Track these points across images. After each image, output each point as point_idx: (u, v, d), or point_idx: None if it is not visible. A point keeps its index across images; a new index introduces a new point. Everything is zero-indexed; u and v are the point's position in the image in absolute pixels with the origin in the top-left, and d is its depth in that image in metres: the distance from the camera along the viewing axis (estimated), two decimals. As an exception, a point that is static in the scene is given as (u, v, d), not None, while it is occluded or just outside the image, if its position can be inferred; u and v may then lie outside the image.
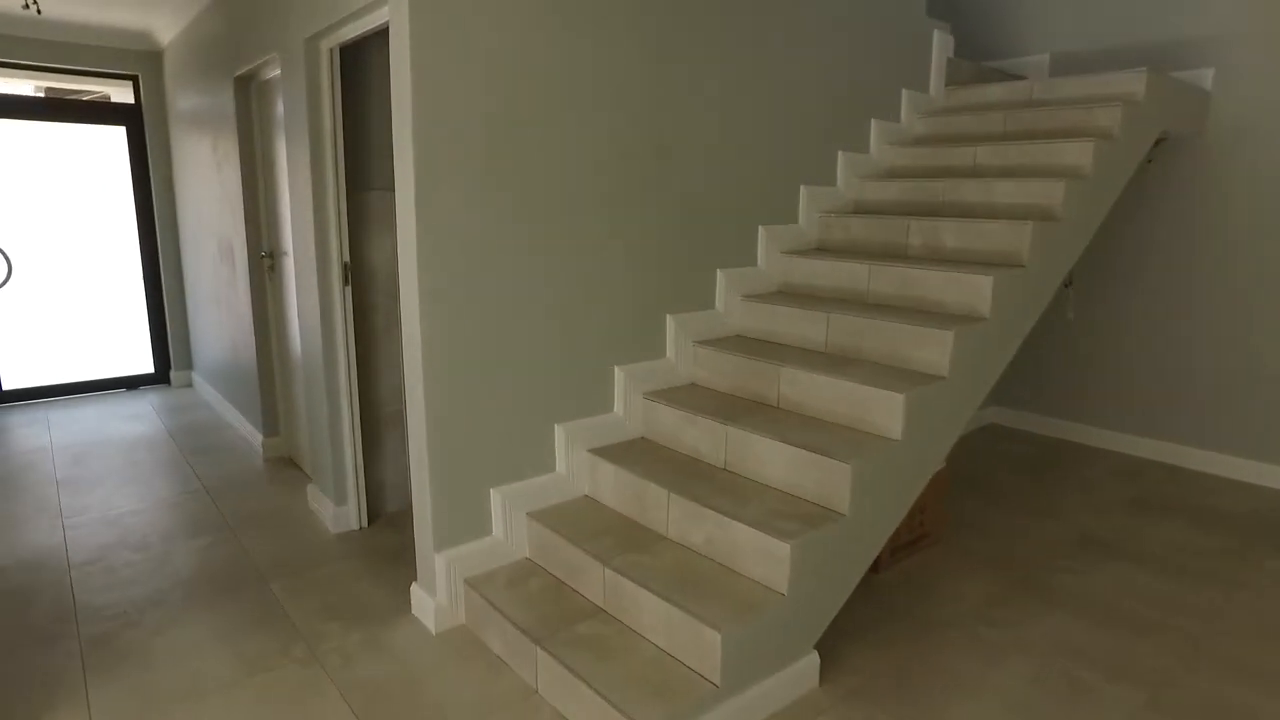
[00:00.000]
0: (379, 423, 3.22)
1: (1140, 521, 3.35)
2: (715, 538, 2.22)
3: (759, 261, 3.11)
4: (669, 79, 2.65)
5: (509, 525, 2.50)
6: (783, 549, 2.02)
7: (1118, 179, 3.04)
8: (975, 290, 2.55)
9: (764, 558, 2.08)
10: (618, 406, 2.74)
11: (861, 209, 3.38)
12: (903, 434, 2.28)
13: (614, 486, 2.54)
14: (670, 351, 2.85)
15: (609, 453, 2.62)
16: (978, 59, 4.41)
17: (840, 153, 3.34)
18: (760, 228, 3.08)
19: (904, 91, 3.58)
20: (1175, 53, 3.77)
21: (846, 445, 2.26)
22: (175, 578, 2.74)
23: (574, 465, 2.63)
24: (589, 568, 2.28)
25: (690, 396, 2.75)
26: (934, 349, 2.43)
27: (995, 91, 3.59)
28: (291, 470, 3.81)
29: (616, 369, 2.71)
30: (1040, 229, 2.65)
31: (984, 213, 2.96)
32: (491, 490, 2.47)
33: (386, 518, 3.25)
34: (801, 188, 3.21)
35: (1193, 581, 2.82)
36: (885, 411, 2.31)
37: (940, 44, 3.68)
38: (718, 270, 2.97)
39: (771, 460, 2.35)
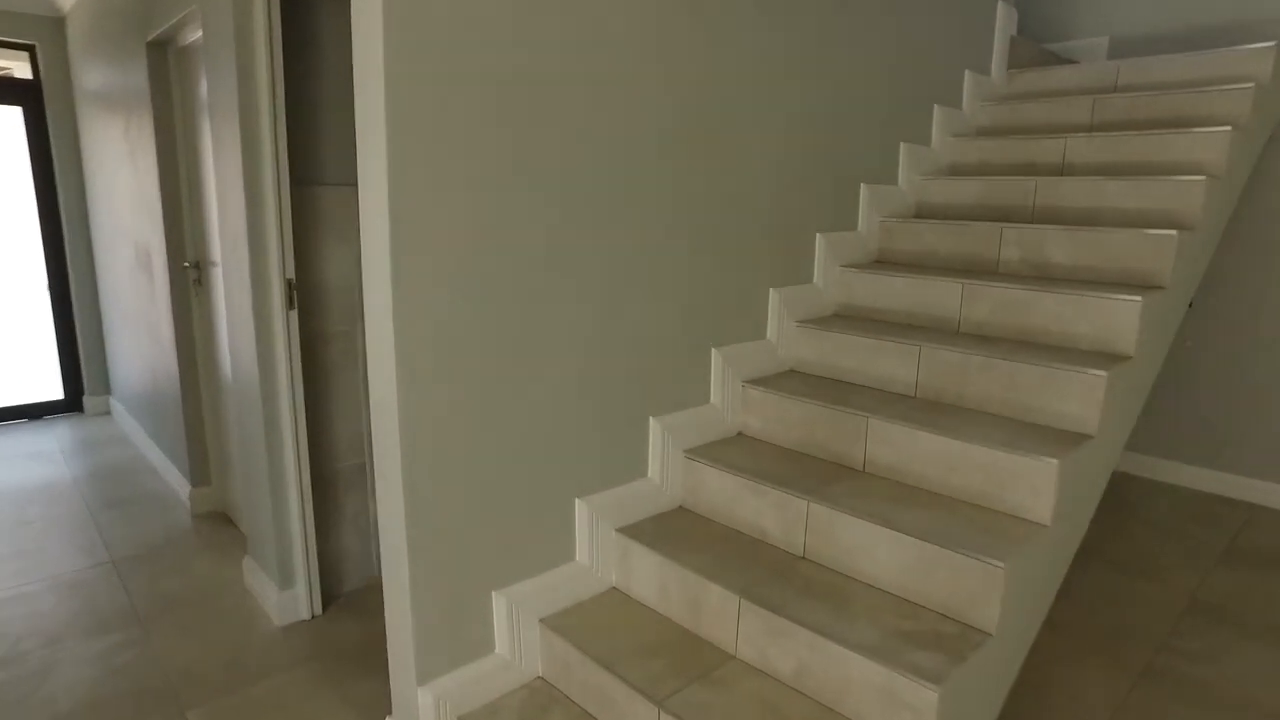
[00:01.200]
0: (336, 480, 2.53)
1: (1247, 578, 2.85)
2: (811, 666, 1.60)
3: (815, 277, 2.50)
4: (720, 54, 2.02)
5: (517, 638, 1.85)
6: (926, 696, 1.42)
7: (1243, 177, 2.52)
8: (1115, 319, 1.98)
9: (889, 702, 1.47)
10: (653, 469, 2.10)
11: (929, 212, 2.80)
12: (1053, 516, 1.70)
13: (656, 581, 1.91)
14: (715, 395, 2.23)
15: (643, 532, 1.99)
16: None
17: (903, 145, 2.75)
18: (818, 236, 2.47)
19: (967, 74, 3.01)
20: (1245, 36, 3.28)
21: (978, 533, 1.66)
22: (51, 710, 2.01)
23: (600, 550, 1.99)
24: (633, 706, 1.64)
25: (743, 454, 2.13)
26: (1076, 397, 1.85)
27: (1069, 75, 3.04)
28: (226, 530, 3.08)
29: (652, 421, 2.08)
30: (1183, 241, 2.10)
31: (1095, 219, 2.40)
32: (494, 593, 1.82)
33: (346, 599, 2.56)
34: (862, 187, 2.62)
35: (1347, 669, 2.31)
36: (1027, 485, 1.72)
37: (1004, 19, 3.12)
38: (771, 290, 2.35)
39: (875, 551, 1.74)
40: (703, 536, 1.98)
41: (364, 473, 2.59)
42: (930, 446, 1.87)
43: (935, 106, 2.87)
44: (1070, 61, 3.60)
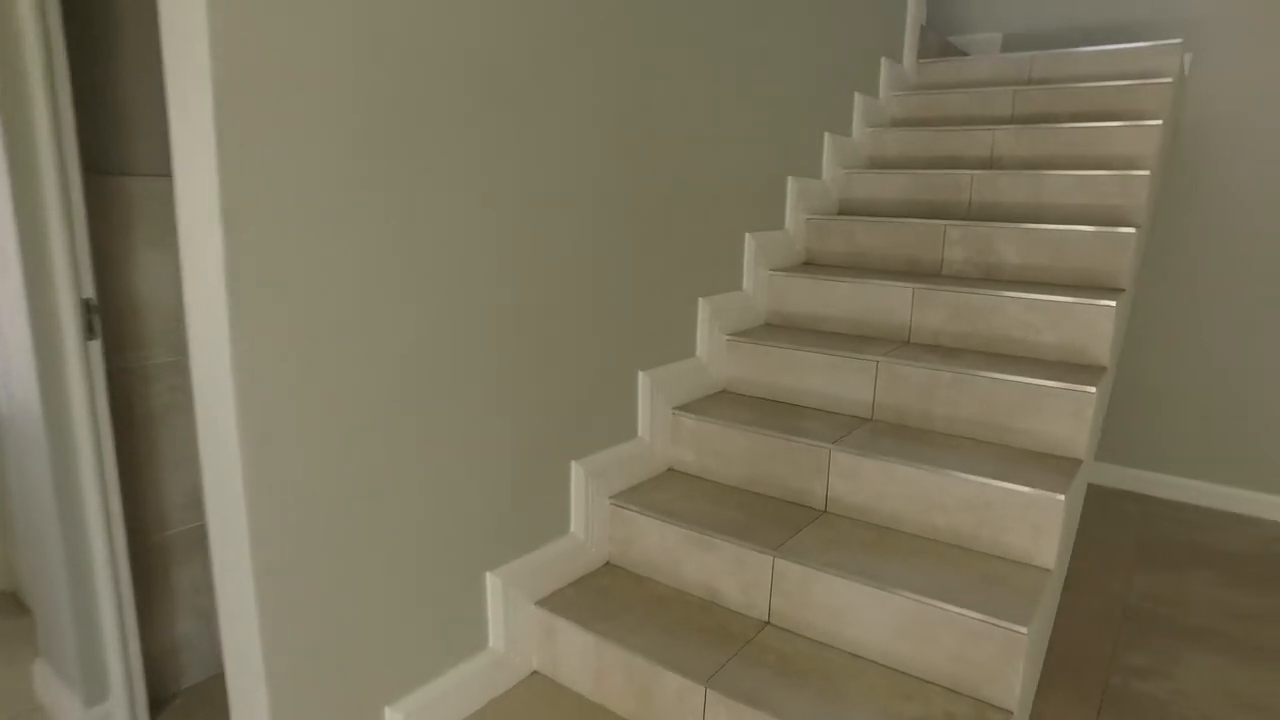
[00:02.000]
0: (166, 550, 1.98)
1: (1166, 579, 2.80)
2: (803, 774, 1.28)
3: (744, 283, 2.19)
4: (638, 40, 1.66)
5: (418, 762, 1.41)
6: (959, 815, 1.12)
7: (1164, 173, 2.43)
8: (1086, 326, 1.78)
9: (911, 820, 1.17)
10: (575, 523, 1.72)
11: (854, 208, 2.56)
12: (1058, 559, 1.46)
13: (590, 665, 1.53)
14: (643, 426, 1.87)
15: (569, 603, 1.61)
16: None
17: (827, 135, 2.50)
18: (748, 236, 2.17)
19: (883, 61, 2.81)
20: (1125, 36, 3.30)
21: (982, 586, 1.40)
22: None
23: (517, 630, 1.58)
24: None
25: (680, 497, 1.78)
26: (1062, 416, 1.63)
27: (982, 66, 2.91)
28: (15, 618, 2.42)
29: (573, 466, 1.69)
30: (1138, 239, 1.94)
31: (1037, 215, 2.23)
32: (387, 710, 1.38)
33: (185, 701, 2.01)
34: (789, 181, 2.34)
35: (1289, 673, 2.25)
36: (1028, 525, 1.47)
37: (915, 7, 2.95)
38: (700, 300, 2.02)
39: (859, 615, 1.44)
40: (641, 603, 1.62)
41: (205, 536, 2.05)
42: (907, 480, 1.60)
43: (856, 95, 2.64)
44: (964, 54, 3.51)
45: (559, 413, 1.63)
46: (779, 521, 1.67)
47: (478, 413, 1.44)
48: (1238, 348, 3.25)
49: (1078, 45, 3.39)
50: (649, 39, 1.69)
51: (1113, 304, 1.74)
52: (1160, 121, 2.21)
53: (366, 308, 1.22)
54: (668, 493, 1.80)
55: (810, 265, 2.39)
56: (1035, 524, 1.47)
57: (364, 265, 1.21)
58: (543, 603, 1.61)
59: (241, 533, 1.13)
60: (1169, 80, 2.38)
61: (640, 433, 1.87)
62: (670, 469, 1.95)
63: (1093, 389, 1.58)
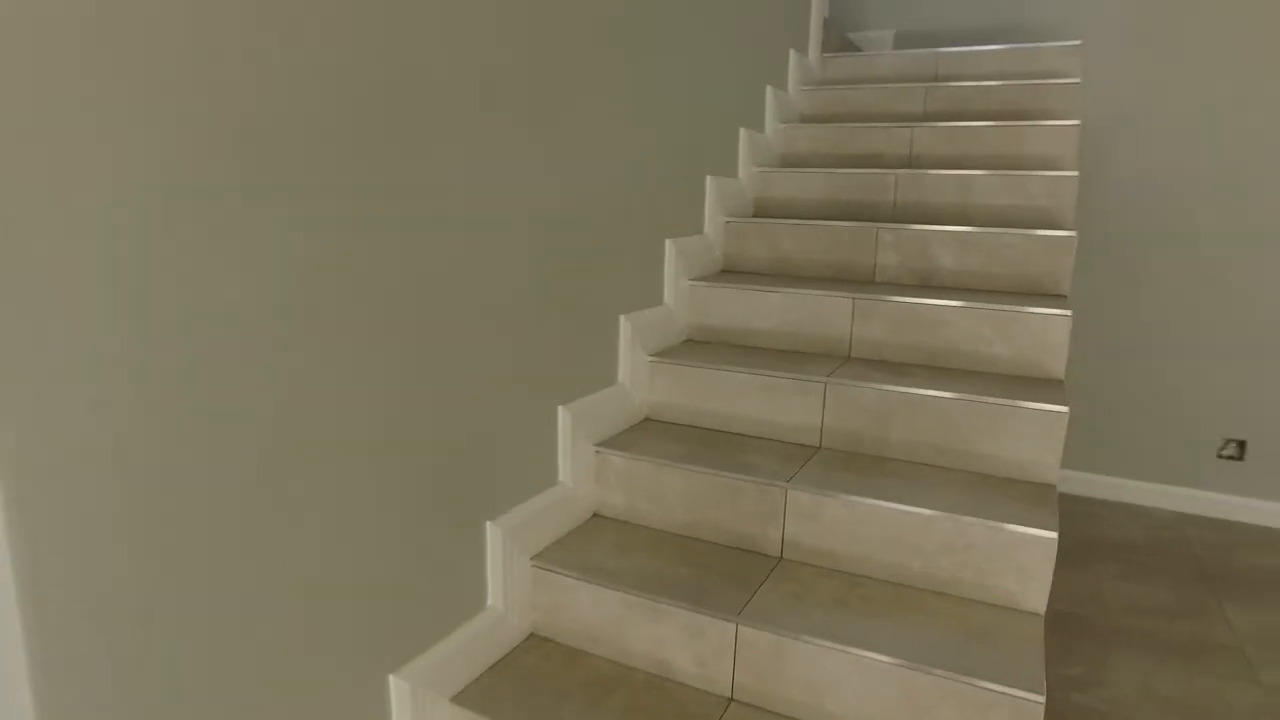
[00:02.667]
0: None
1: (1083, 578, 2.82)
2: None
3: (665, 296, 1.96)
4: (540, 31, 1.39)
5: None
6: None
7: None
8: (1041, 337, 1.67)
9: None
10: (493, 595, 1.42)
11: (771, 210, 2.38)
12: (1047, 601, 1.32)
13: (526, 778, 1.24)
14: (564, 469, 1.59)
15: (489, 697, 1.31)
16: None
17: (742, 131, 2.30)
18: (668, 243, 1.93)
19: (792, 54, 2.65)
20: (1014, 37, 3.34)
21: (978, 646, 1.23)
22: None
23: (428, 740, 1.27)
24: None
25: (612, 550, 1.52)
26: (1032, 438, 1.50)
27: (889, 62, 2.82)
28: None
29: (488, 528, 1.40)
30: (1074, 244, 1.87)
31: (965, 217, 2.12)
32: None
33: None
34: (708, 180, 2.12)
35: (1203, 667, 2.27)
36: (1015, 566, 1.32)
37: (820, 0, 2.82)
38: (621, 318, 1.76)
39: (842, 687, 1.24)
40: (579, 686, 1.35)
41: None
42: (877, 521, 1.42)
43: (769, 88, 2.47)
44: (859, 50, 3.44)
45: (467, 467, 1.33)
46: (731, 575, 1.44)
47: (360, 481, 1.12)
48: (1115, 339, 3.36)
49: (965, 44, 3.39)
50: (549, 32, 1.41)
51: (1067, 314, 1.63)
52: (1079, 122, 2.16)
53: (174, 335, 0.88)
54: (598, 547, 1.54)
55: (729, 273, 2.19)
56: (1023, 565, 1.31)
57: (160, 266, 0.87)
58: (460, 698, 1.30)
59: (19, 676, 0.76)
60: (1078, 80, 2.35)
61: (561, 477, 1.60)
62: (596, 514, 1.68)
63: (1064, 408, 1.46)
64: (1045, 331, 1.66)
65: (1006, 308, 1.69)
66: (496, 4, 1.26)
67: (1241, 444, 3.37)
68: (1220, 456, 3.41)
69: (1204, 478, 3.42)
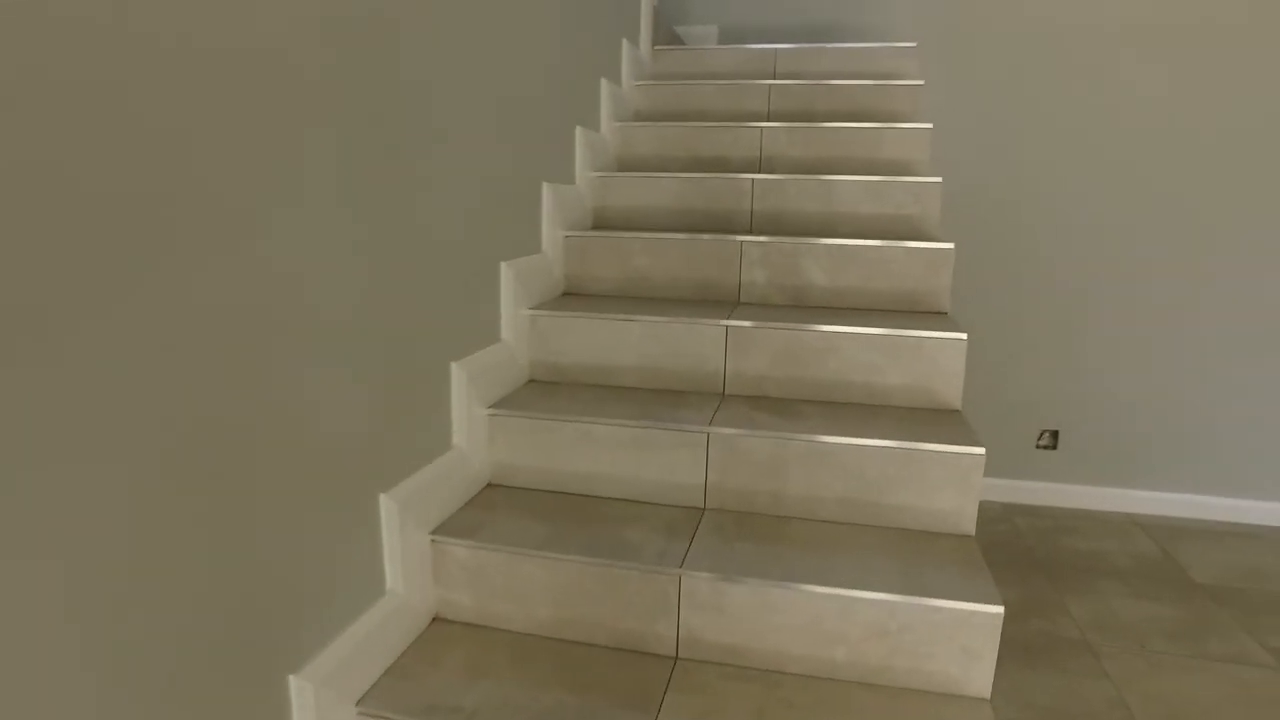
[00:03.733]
0: None
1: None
2: None
3: (503, 331, 1.61)
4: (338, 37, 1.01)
5: None
6: None
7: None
8: (935, 364, 1.51)
9: None
10: (297, 773, 1.02)
11: (614, 221, 2.10)
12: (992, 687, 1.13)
13: None
14: (391, 573, 1.21)
15: None
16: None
17: (579, 130, 1.99)
18: (503, 266, 1.59)
19: (624, 45, 2.38)
20: (843, 35, 3.31)
21: (936, 760, 1.01)
22: None
23: None
24: None
25: (463, 671, 1.17)
26: (949, 486, 1.32)
27: (725, 58, 2.63)
28: None
29: (292, 682, 0.99)
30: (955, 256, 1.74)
31: (830, 228, 1.95)
32: None
33: None
34: (544, 189, 1.79)
35: (1055, 665, 2.26)
36: (957, 648, 1.12)
37: (649, -20, 2.58)
38: (452, 365, 1.40)
39: (785, 845, 0.97)
40: None
41: None
42: (788, 606, 1.17)
43: (603, 82, 2.18)
44: (684, 43, 3.26)
45: (269, 606, 0.92)
46: (622, 693, 1.13)
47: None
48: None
49: (786, 42, 3.31)
50: (347, 34, 1.04)
51: (962, 337, 1.48)
52: (930, 125, 2.07)
53: None
54: (442, 672, 1.17)
55: (573, 296, 1.88)
56: (965, 646, 1.12)
57: None
58: None
59: None
60: (921, 83, 2.28)
61: (390, 584, 1.21)
62: (438, 618, 1.31)
63: (981, 450, 1.29)
64: (940, 357, 1.50)
65: (897, 332, 1.51)
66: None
67: (1055, 434, 3.56)
68: (1038, 447, 3.59)
69: (1025, 468, 3.58)
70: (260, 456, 0.92)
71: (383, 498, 1.18)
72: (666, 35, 2.86)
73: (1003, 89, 3.15)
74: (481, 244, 1.50)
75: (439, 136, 1.30)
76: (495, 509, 1.40)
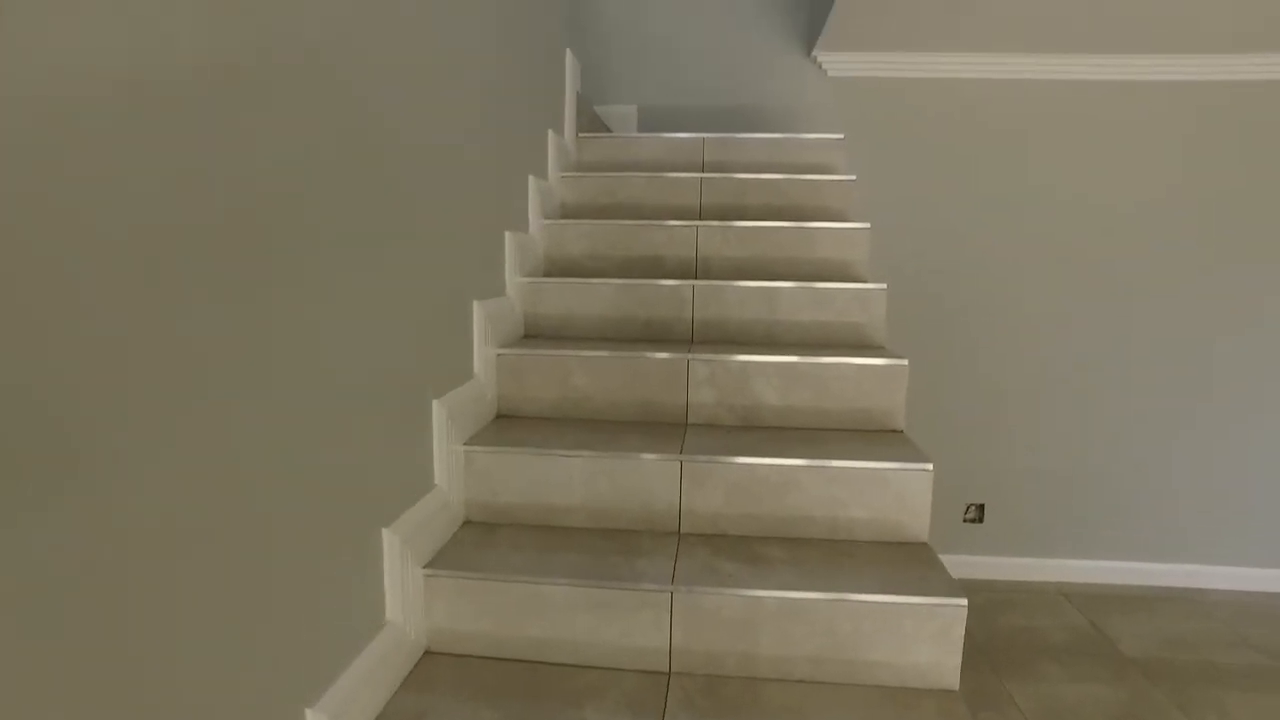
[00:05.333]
0: None
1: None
2: None
3: (436, 473, 1.48)
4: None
5: None
6: None
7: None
8: (901, 495, 1.48)
9: None
10: None
11: (545, 330, 2.00)
12: None
13: None
14: (318, 796, 1.05)
15: None
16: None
17: (508, 235, 1.90)
18: (435, 404, 1.46)
19: (550, 135, 2.31)
20: (760, 120, 3.36)
21: None
22: None
23: None
24: None
25: None
26: (928, 639, 1.27)
27: (653, 146, 2.60)
28: None
29: None
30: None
31: (772, 338, 1.92)
32: None
33: None
34: (475, 306, 1.68)
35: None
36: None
37: (573, 71, 2.53)
38: (384, 531, 1.26)
39: None
40: None
41: None
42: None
43: (530, 178, 2.10)
44: (606, 127, 3.23)
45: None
46: None
47: None
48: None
49: (711, 124, 3.34)
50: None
51: (928, 468, 1.46)
52: (868, 225, 2.08)
53: None
54: None
55: (507, 419, 1.77)
56: (969, 839, 1.05)
57: None
58: None
59: None
60: (853, 178, 2.30)
61: (309, 811, 1.05)
62: (364, 837, 1.15)
63: (963, 601, 1.25)
64: (905, 489, 1.47)
65: (859, 464, 1.47)
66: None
67: (981, 507, 3.64)
68: (965, 520, 3.66)
69: (953, 542, 3.63)
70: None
71: (309, 714, 1.03)
72: (588, 116, 2.82)
73: (919, 179, 3.26)
74: (407, 378, 1.37)
75: (373, 262, 1.18)
76: (436, 688, 1.26)
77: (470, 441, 1.58)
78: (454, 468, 1.53)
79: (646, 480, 1.52)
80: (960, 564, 3.58)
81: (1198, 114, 3.19)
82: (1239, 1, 2.47)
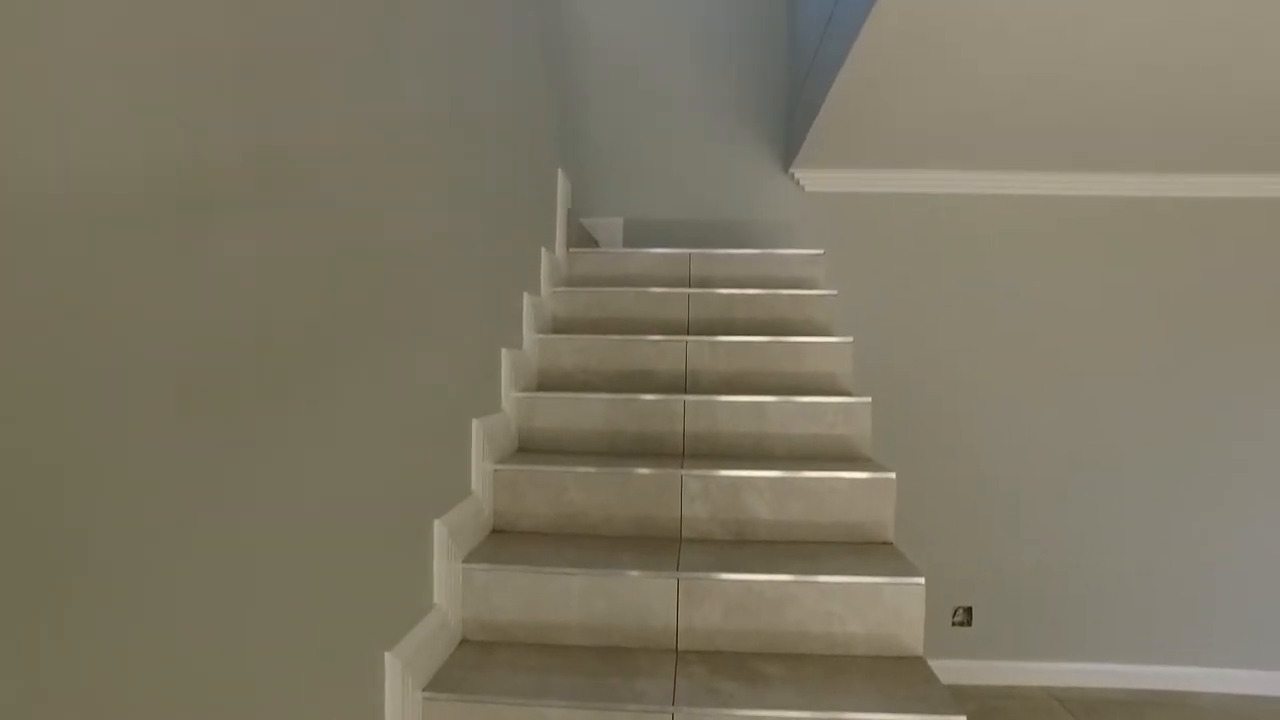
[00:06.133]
0: None
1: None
2: None
3: (436, 592, 1.50)
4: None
5: None
6: None
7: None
8: (896, 610, 1.51)
9: None
10: None
11: (541, 444, 2.06)
12: None
13: None
14: None
15: None
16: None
17: (504, 351, 1.97)
18: (436, 524, 1.50)
19: (543, 252, 2.42)
20: (742, 233, 3.52)
21: None
22: None
23: None
24: None
25: None
26: (929, 764, 1.28)
27: (640, 262, 2.73)
28: None
29: None
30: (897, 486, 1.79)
31: (761, 451, 1.98)
32: None
33: None
34: (474, 424, 1.74)
35: None
36: None
37: (564, 188, 2.67)
38: (385, 655, 1.27)
39: None
40: None
41: None
42: None
43: (525, 295, 2.19)
44: (594, 240, 3.37)
45: None
46: None
47: None
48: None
49: (695, 237, 3.49)
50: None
51: (920, 581, 1.50)
52: (852, 338, 2.19)
53: None
54: None
55: (503, 534, 1.80)
56: None
57: None
58: None
59: None
60: (835, 292, 2.43)
61: None
62: None
63: (961, 719, 1.27)
64: (899, 603, 1.51)
65: (853, 579, 1.51)
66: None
67: (969, 610, 3.65)
68: (954, 624, 3.65)
69: (943, 646, 3.62)
70: None
71: None
72: (576, 230, 2.95)
73: (895, 288, 3.42)
74: (409, 499, 1.41)
75: (385, 350, 1.24)
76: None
77: (468, 559, 1.61)
78: (453, 586, 1.55)
79: (643, 597, 1.55)
80: (951, 669, 3.55)
81: (1150, 224, 3.40)
82: (1171, 134, 2.68)
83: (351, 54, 1.14)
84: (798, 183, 3.45)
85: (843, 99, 2.32)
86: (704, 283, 2.65)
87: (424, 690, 1.37)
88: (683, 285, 2.59)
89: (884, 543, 1.75)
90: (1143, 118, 2.47)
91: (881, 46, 1.92)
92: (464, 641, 1.58)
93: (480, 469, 1.76)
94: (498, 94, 1.92)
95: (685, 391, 2.14)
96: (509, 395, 2.01)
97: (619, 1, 3.59)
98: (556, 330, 2.40)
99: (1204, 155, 2.97)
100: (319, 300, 1.05)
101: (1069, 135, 2.70)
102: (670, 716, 1.32)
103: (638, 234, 3.55)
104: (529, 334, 2.22)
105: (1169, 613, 3.52)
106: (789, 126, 3.42)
